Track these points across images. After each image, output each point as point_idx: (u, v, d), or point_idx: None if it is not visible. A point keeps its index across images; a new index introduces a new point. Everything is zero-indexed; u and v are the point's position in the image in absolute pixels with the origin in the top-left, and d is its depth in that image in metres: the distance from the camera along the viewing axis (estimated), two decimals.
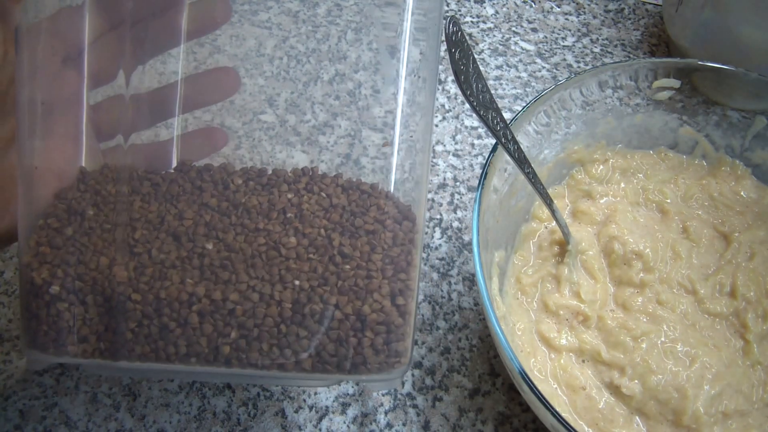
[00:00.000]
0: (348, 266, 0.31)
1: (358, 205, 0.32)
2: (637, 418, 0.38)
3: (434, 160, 0.53)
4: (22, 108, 0.31)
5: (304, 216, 0.31)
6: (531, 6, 0.65)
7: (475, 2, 0.65)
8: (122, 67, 0.32)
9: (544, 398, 0.32)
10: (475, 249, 0.36)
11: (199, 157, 0.34)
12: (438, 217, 0.50)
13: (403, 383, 0.42)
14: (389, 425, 0.41)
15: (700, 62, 0.44)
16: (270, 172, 0.33)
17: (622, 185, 0.46)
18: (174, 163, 0.33)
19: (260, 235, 0.31)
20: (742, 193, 0.46)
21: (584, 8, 0.65)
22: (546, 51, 0.61)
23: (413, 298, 0.31)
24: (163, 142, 0.34)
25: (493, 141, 0.41)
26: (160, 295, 0.30)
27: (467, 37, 0.55)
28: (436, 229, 0.49)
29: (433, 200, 0.51)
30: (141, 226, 0.31)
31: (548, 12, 0.64)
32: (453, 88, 0.58)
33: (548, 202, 0.40)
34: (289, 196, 0.32)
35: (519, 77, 0.59)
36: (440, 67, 0.59)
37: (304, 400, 0.41)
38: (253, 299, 0.30)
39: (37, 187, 0.31)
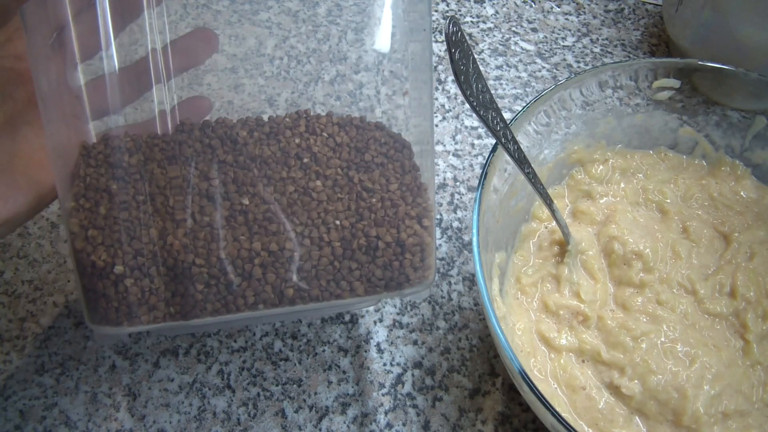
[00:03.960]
0: (374, 199, 0.34)
1: (359, 140, 0.35)
2: (637, 418, 0.38)
3: (434, 160, 0.53)
4: (38, 93, 0.32)
5: (318, 159, 0.34)
6: (531, 6, 0.65)
7: (475, 2, 0.65)
8: (104, 42, 0.33)
9: (544, 398, 0.32)
10: (475, 249, 0.36)
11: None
12: (438, 217, 0.50)
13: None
14: (389, 425, 0.41)
15: (700, 62, 0.44)
16: (266, 119, 0.35)
17: (622, 185, 0.46)
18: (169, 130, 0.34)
19: (288, 183, 0.33)
20: (742, 193, 0.46)
21: (584, 8, 0.65)
22: (546, 51, 0.61)
23: (434, 217, 0.35)
24: (153, 116, 0.34)
25: (493, 141, 0.41)
26: (221, 256, 0.32)
27: (467, 37, 0.55)
28: (436, 229, 0.49)
29: None
30: (173, 193, 0.32)
31: (548, 12, 0.64)
32: (453, 88, 0.58)
33: (548, 202, 0.40)
34: (297, 141, 0.34)
35: (519, 77, 0.59)
36: (440, 67, 0.59)
37: (304, 400, 0.41)
38: (306, 244, 0.33)
39: (56, 168, 0.33)
